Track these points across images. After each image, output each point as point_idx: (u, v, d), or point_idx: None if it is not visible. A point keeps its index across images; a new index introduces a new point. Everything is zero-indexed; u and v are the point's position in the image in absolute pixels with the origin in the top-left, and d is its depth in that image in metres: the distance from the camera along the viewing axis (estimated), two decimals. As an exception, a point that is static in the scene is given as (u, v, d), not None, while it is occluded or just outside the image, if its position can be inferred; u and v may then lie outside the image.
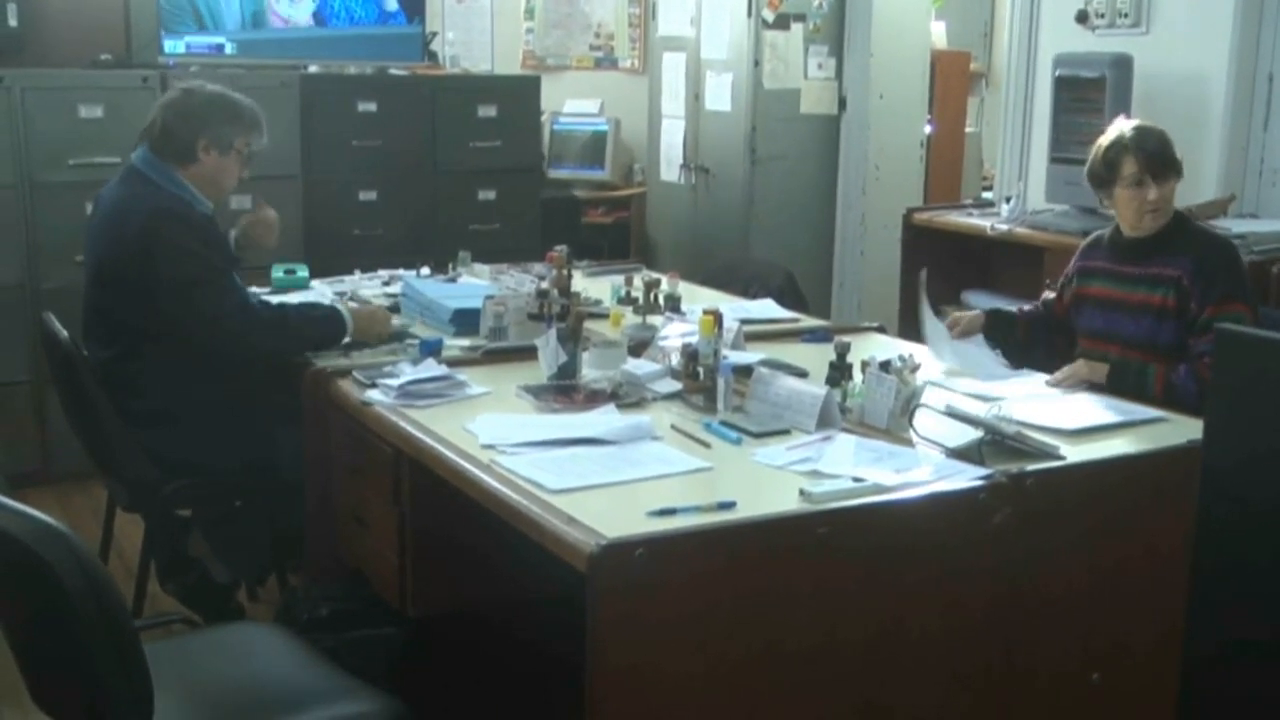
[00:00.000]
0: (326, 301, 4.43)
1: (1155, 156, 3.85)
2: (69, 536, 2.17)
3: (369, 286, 4.84)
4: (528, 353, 3.76)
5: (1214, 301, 3.74)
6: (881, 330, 4.49)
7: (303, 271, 4.92)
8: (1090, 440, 3.20)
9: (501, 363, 3.82)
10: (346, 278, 4.97)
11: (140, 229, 3.88)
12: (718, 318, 3.47)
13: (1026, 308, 4.30)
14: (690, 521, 2.57)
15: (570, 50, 8.48)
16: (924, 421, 3.20)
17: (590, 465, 2.90)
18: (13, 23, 6.01)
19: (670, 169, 7.76)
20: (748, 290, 5.04)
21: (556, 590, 2.75)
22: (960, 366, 3.83)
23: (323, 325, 3.97)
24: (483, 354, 3.88)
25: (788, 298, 4.90)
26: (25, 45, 6.10)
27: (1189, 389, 3.62)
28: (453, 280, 4.77)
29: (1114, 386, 3.69)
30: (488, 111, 6.86)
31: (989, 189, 7.34)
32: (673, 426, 3.22)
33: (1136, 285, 3.89)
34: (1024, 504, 2.85)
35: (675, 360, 3.61)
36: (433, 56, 7.19)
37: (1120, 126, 3.95)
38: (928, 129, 7.84)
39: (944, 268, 6.04)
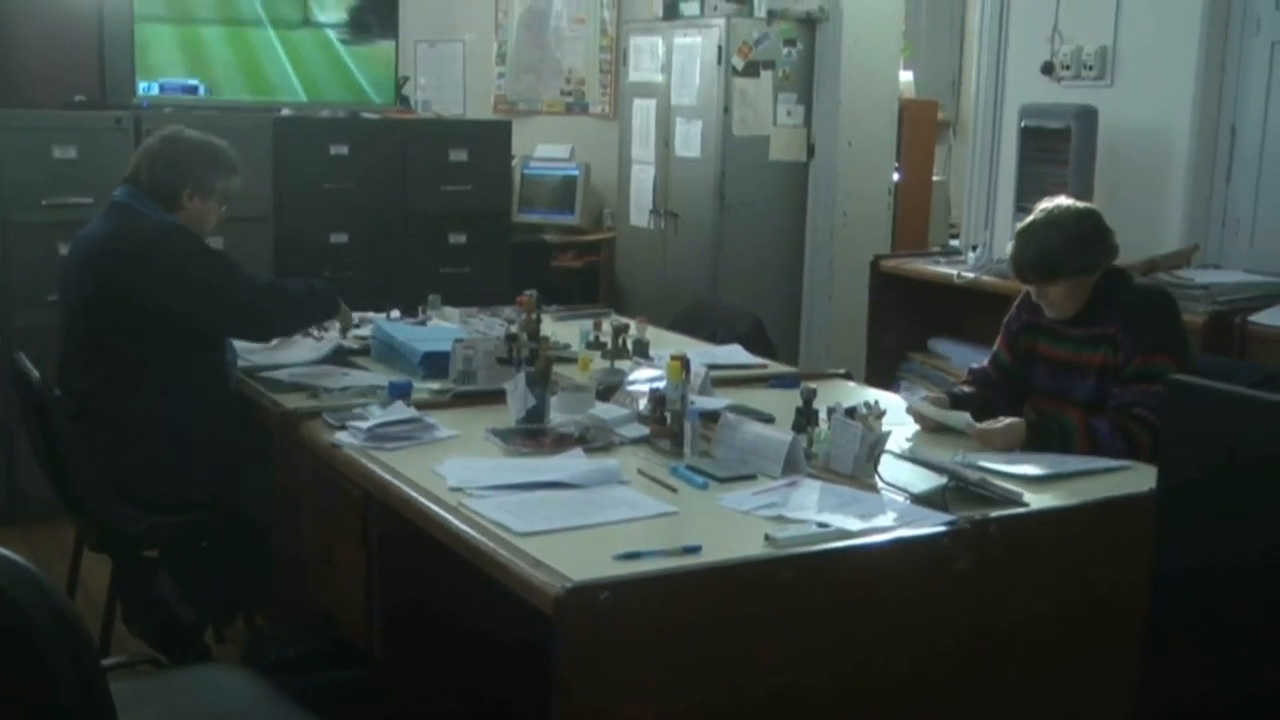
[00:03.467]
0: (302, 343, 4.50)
1: (1028, 268, 3.82)
2: (38, 575, 2.17)
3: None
4: (496, 396, 3.78)
5: (1141, 352, 3.69)
6: (848, 377, 4.51)
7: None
8: (1053, 487, 3.22)
9: (470, 406, 3.83)
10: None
11: (147, 245, 3.98)
12: (685, 363, 3.49)
13: (969, 389, 4.09)
14: (656, 565, 2.59)
15: (541, 95, 8.54)
16: (889, 468, 3.23)
17: (557, 508, 2.92)
18: (-14, 63, 6.05)
19: (640, 214, 7.79)
20: (715, 336, 5.06)
21: (523, 634, 2.76)
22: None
23: (325, 297, 4.29)
24: (452, 397, 3.89)
25: (755, 344, 4.92)
26: (-1, 86, 6.13)
27: (1115, 447, 3.55)
28: (422, 323, 4.79)
29: (1036, 448, 3.54)
30: (459, 155, 6.90)
31: (956, 237, 7.38)
32: (640, 471, 3.25)
33: (1081, 345, 3.85)
34: (987, 550, 2.88)
35: (643, 405, 3.64)
36: (405, 100, 7.22)
37: (1030, 218, 3.87)
38: (895, 177, 7.88)
39: (911, 315, 6.11)
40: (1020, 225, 3.90)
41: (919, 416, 3.80)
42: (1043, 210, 3.87)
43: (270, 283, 4.34)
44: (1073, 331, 3.88)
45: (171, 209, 4.09)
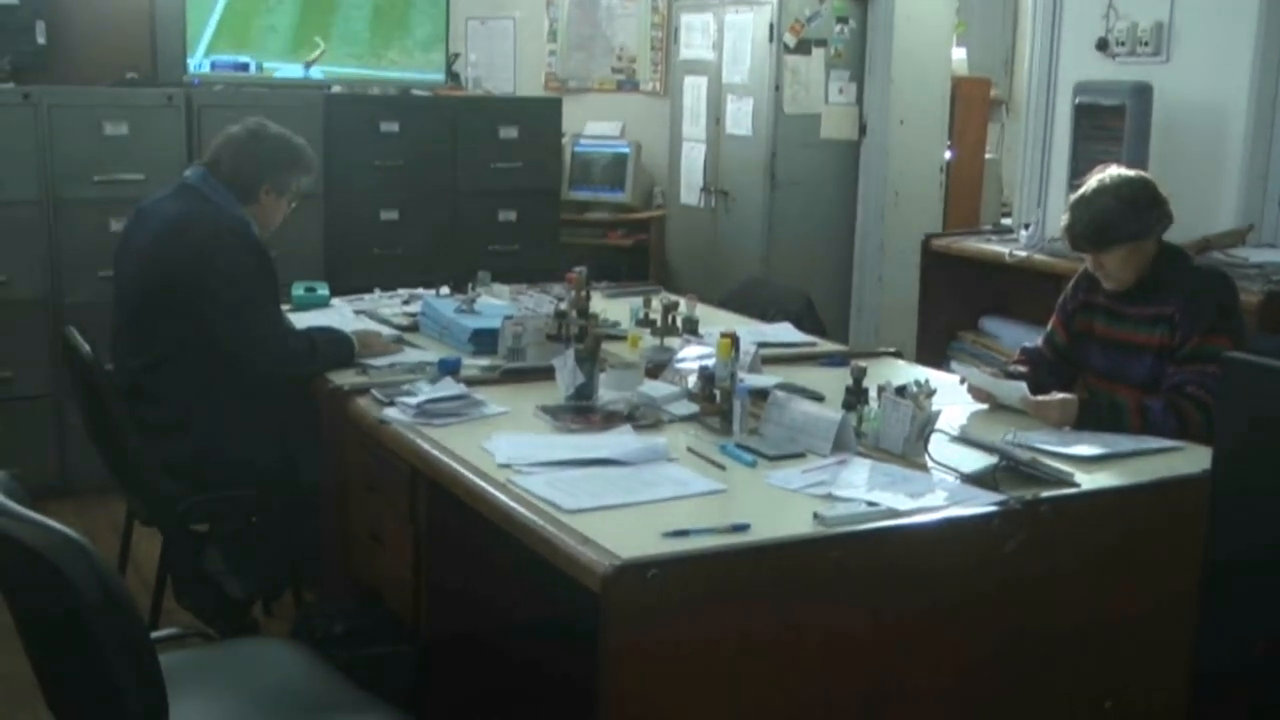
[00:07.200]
0: (348, 319, 4.51)
1: (1082, 237, 3.79)
2: (88, 549, 2.18)
3: (389, 305, 4.85)
4: (545, 373, 3.77)
5: (1199, 333, 3.65)
6: (898, 355, 4.48)
7: (323, 290, 4.95)
8: (1105, 467, 3.20)
9: (519, 383, 3.83)
10: (366, 296, 4.99)
11: (203, 245, 3.95)
12: (735, 341, 3.48)
13: (1021, 368, 4.05)
14: (704, 543, 2.58)
15: (592, 73, 8.52)
16: (939, 447, 3.21)
17: (606, 486, 2.92)
18: (40, 40, 6.07)
19: (690, 192, 7.78)
20: (765, 314, 5.04)
21: (570, 611, 2.76)
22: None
23: (339, 347, 4.05)
24: (501, 374, 3.89)
25: (805, 322, 4.90)
26: (52, 62, 6.15)
27: (1168, 425, 3.50)
28: (472, 300, 4.78)
29: (1088, 426, 3.52)
30: (509, 133, 6.89)
31: (1008, 215, 7.34)
32: (688, 448, 3.24)
33: (1138, 325, 3.82)
34: (1037, 530, 2.86)
35: (692, 383, 3.63)
36: (455, 78, 7.22)
37: (1084, 188, 3.86)
38: (947, 155, 7.85)
39: (962, 294, 6.07)
40: (1073, 196, 3.87)
41: (972, 388, 3.79)
42: (1095, 179, 3.84)
43: (291, 330, 4.12)
44: (1130, 311, 3.84)
45: (246, 201, 4.10)
